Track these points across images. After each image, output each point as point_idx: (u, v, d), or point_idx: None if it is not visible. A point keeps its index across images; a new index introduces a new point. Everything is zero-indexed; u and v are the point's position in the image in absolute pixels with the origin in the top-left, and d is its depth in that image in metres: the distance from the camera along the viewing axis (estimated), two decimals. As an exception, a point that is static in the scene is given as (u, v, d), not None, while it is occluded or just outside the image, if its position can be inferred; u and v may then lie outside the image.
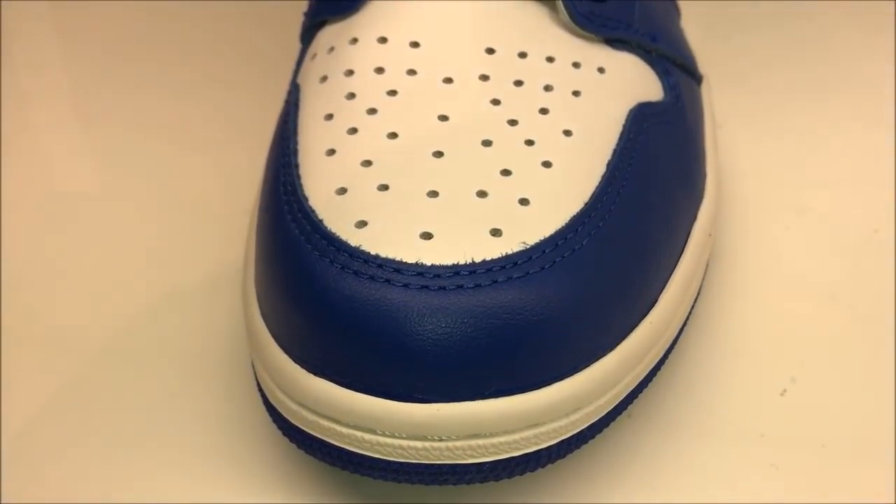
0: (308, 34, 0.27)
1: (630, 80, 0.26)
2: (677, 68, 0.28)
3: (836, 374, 0.26)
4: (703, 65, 0.32)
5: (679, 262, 0.24)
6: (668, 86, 0.27)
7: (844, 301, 0.28)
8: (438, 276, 0.19)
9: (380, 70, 0.24)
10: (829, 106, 0.35)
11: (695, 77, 0.30)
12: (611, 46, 0.26)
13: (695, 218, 0.26)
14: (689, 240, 0.25)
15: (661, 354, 0.23)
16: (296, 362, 0.20)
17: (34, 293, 0.29)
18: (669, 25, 0.30)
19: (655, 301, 0.23)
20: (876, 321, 0.27)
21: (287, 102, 0.26)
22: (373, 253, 0.20)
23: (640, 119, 0.25)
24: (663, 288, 0.23)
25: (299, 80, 0.26)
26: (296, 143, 0.23)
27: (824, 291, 0.28)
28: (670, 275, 0.24)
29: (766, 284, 0.28)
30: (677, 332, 0.24)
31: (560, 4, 0.25)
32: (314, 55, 0.26)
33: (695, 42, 0.32)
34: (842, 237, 0.30)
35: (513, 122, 0.23)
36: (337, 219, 0.21)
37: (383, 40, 0.24)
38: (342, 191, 0.21)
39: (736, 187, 0.31)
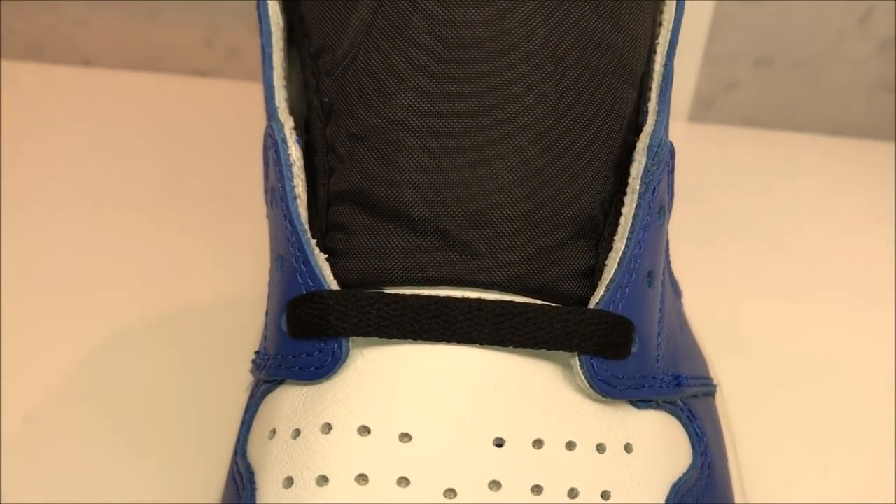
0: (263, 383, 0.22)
1: (660, 452, 0.21)
2: (698, 401, 0.24)
3: None
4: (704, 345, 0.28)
5: None
6: (696, 436, 0.23)
7: None
8: None
9: (363, 478, 0.19)
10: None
11: (711, 394, 0.26)
12: (634, 406, 0.21)
13: None
14: None
15: None
16: None
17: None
18: (686, 344, 0.25)
19: None
20: None
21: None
22: None
23: None
24: None
25: (252, 461, 0.21)
26: None
27: None
28: None
29: None
30: None
31: (578, 370, 0.20)
32: (273, 431, 0.20)
33: (697, 326, 0.28)
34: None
35: (535, 555, 0.18)
36: None
37: (365, 430, 0.19)
38: None
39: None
